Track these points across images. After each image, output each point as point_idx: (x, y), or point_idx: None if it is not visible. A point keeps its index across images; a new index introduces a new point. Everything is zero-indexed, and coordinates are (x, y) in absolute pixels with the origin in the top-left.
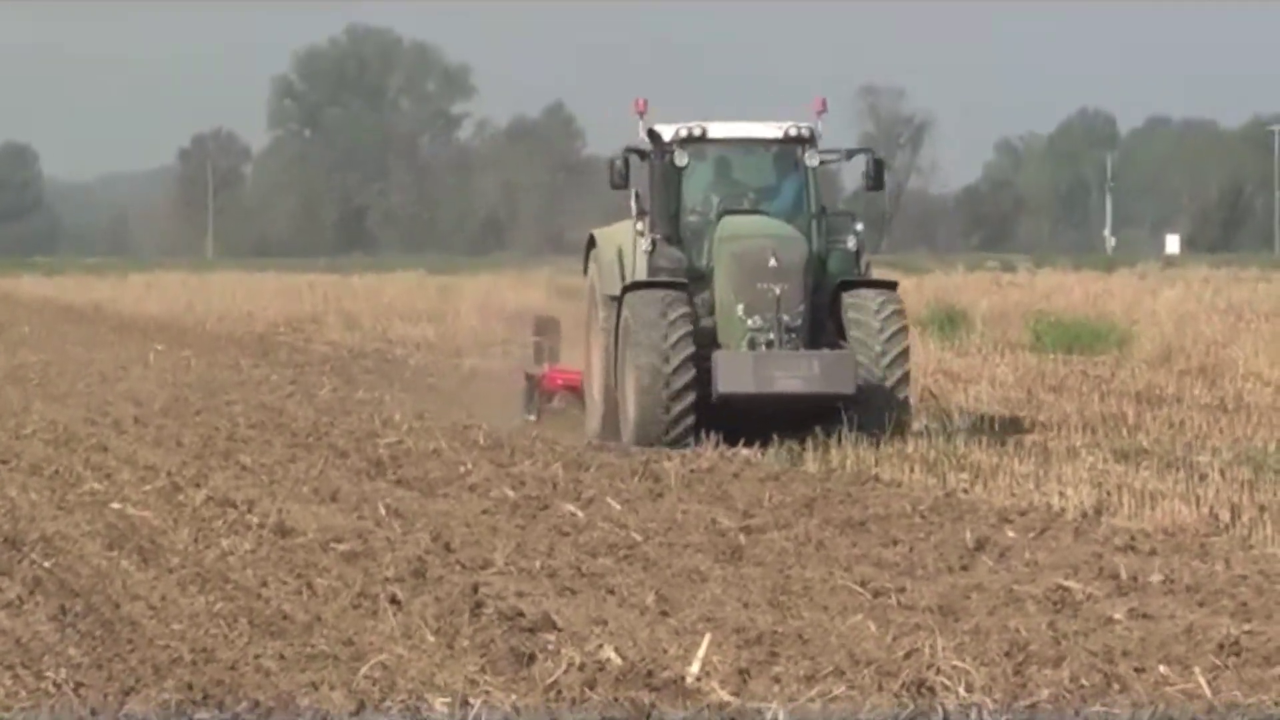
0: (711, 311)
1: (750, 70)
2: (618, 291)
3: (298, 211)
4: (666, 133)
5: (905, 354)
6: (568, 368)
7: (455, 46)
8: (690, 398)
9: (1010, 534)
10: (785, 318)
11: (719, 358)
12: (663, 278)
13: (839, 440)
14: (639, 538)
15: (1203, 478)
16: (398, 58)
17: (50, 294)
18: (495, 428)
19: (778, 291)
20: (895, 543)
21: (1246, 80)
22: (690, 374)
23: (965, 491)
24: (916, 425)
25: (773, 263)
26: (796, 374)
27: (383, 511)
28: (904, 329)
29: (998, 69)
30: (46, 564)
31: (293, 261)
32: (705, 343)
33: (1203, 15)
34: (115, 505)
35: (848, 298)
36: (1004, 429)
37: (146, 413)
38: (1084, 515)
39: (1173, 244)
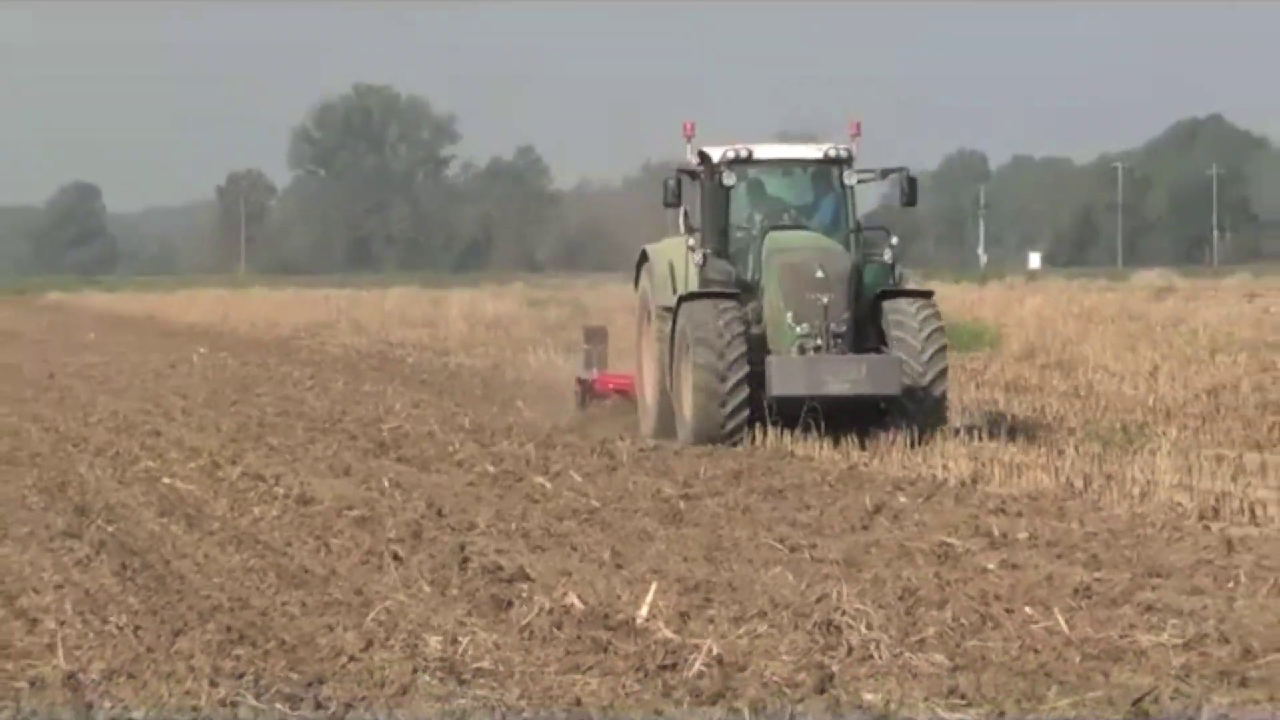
0: (759, 319)
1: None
2: (672, 302)
3: (314, 237)
4: (715, 154)
5: (943, 355)
6: (618, 372)
7: (443, 100)
8: (743, 397)
9: (902, 499)
10: (832, 325)
11: (773, 362)
12: (715, 288)
13: (764, 426)
14: (597, 504)
15: (1060, 452)
16: (396, 111)
17: (110, 306)
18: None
19: (825, 300)
20: (808, 507)
21: (1096, 124)
22: (743, 375)
23: (865, 465)
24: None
25: (819, 274)
26: (846, 377)
27: (386, 484)
28: (940, 330)
29: (894, 113)
30: (110, 529)
31: (310, 278)
32: (755, 348)
33: (1062, 70)
34: (166, 480)
35: (888, 306)
36: None
37: (191, 404)
38: (963, 484)
39: (1034, 260)
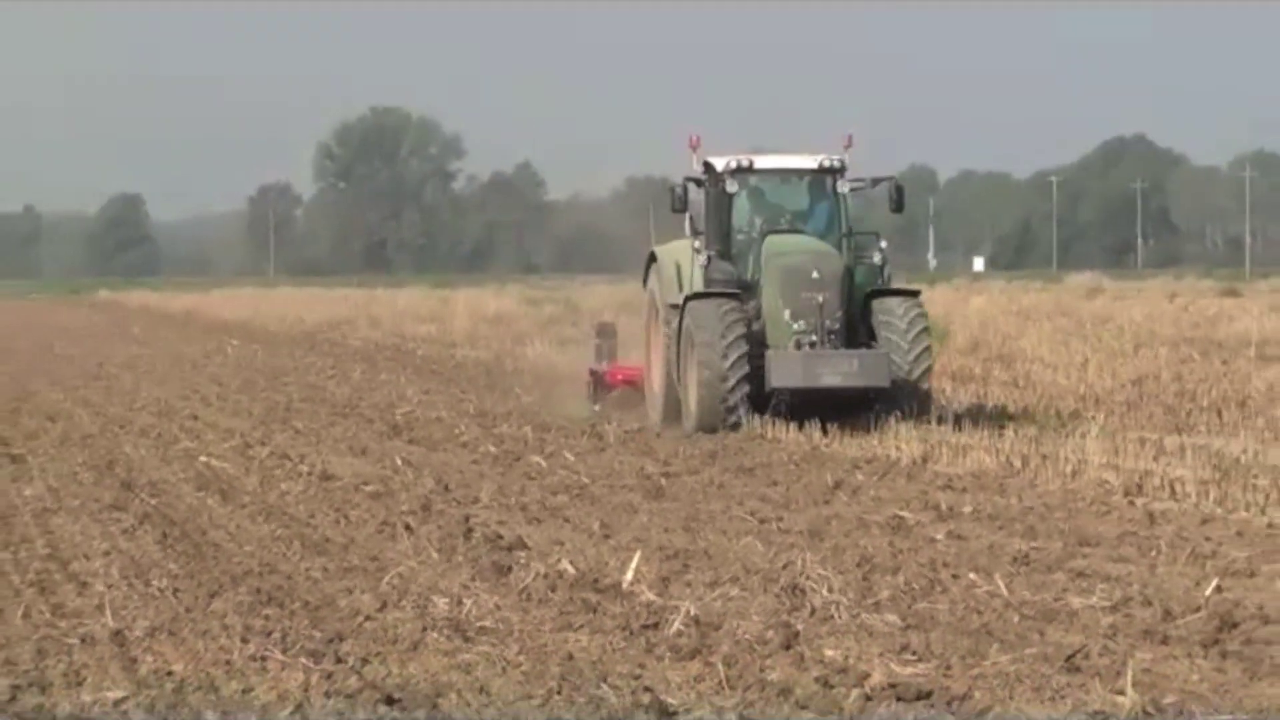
0: (759, 316)
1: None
2: (679, 301)
3: (335, 242)
4: (719, 164)
5: (928, 352)
6: (628, 365)
7: (451, 120)
8: (745, 390)
9: (860, 477)
10: (826, 322)
11: (772, 356)
12: (717, 288)
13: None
14: (587, 481)
15: (1001, 435)
16: (408, 129)
17: (153, 304)
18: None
19: (820, 299)
20: (775, 484)
21: (1033, 143)
22: (745, 370)
23: (826, 446)
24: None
25: (815, 275)
26: (839, 370)
27: (399, 462)
28: (927, 330)
29: (854, 132)
30: (153, 501)
31: (332, 279)
32: (755, 343)
33: (1003, 95)
34: (202, 458)
35: (877, 305)
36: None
37: (225, 390)
38: (914, 463)
39: (979, 264)
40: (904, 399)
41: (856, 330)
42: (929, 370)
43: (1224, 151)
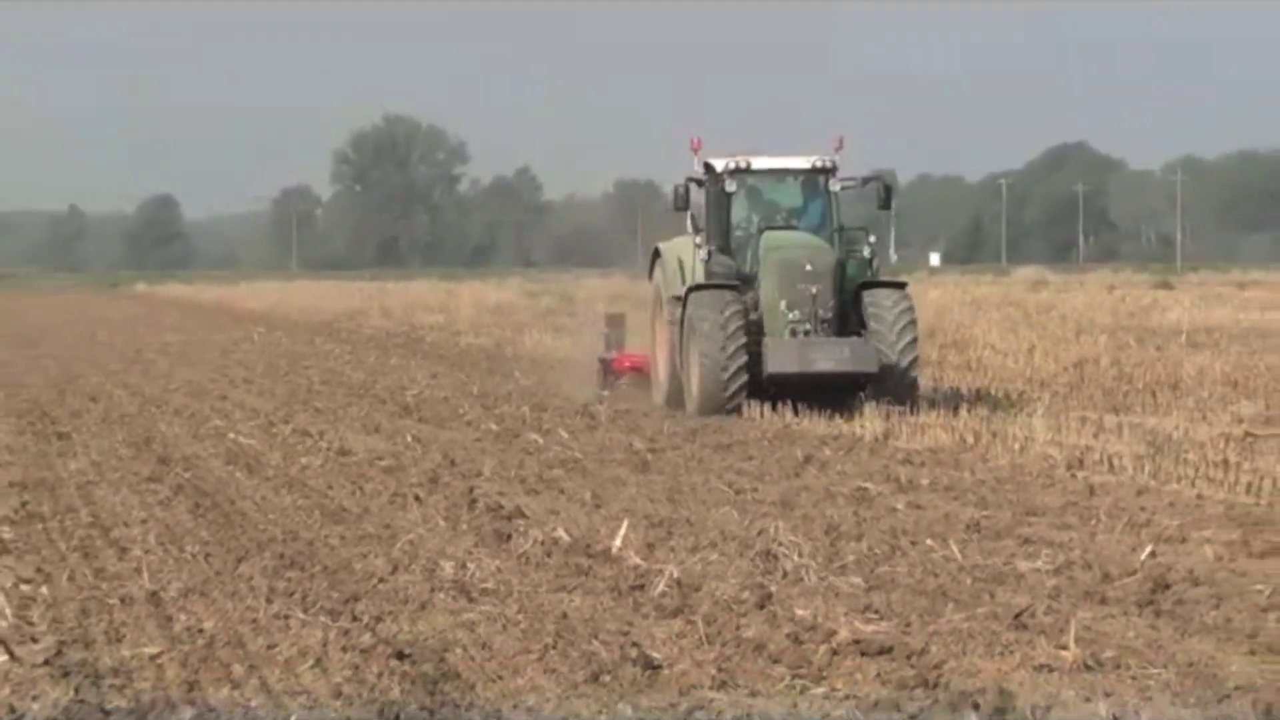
0: (756, 307)
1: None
2: (681, 292)
3: (352, 240)
4: (718, 165)
5: (915, 341)
6: (634, 352)
7: (456, 129)
8: (744, 377)
9: (827, 452)
10: (820, 312)
11: (769, 344)
12: (718, 281)
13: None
14: (580, 456)
15: (955, 414)
16: (418, 137)
17: (186, 296)
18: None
19: (814, 291)
20: (750, 458)
21: (984, 149)
22: (743, 358)
23: (797, 425)
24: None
25: (809, 267)
26: (832, 357)
27: (409, 439)
28: (913, 321)
29: (822, 141)
30: (186, 474)
31: (348, 273)
32: (753, 332)
33: (956, 106)
34: (231, 435)
35: (867, 296)
36: None
37: (251, 374)
38: (876, 439)
39: (935, 259)
40: (892, 384)
41: (848, 319)
42: (916, 358)
43: (1157, 157)
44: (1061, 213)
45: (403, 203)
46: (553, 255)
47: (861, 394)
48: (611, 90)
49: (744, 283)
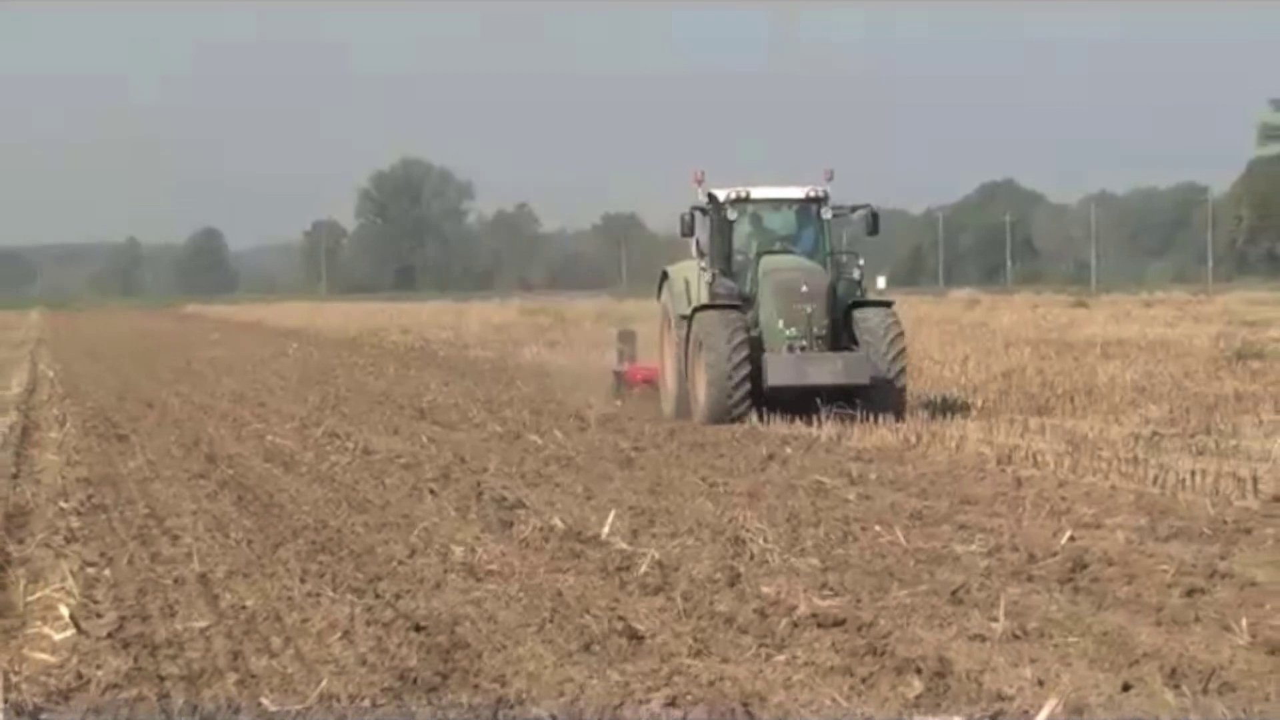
0: (757, 324)
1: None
2: (688, 312)
3: (373, 266)
4: (720, 195)
5: (903, 355)
6: (645, 365)
7: (463, 170)
8: (747, 388)
9: (789, 450)
10: (815, 329)
11: (768, 358)
12: (721, 301)
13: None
14: (573, 454)
15: (900, 417)
16: (431, 177)
17: (230, 316)
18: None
19: (809, 310)
20: (722, 455)
21: (924, 185)
22: (746, 370)
23: (763, 427)
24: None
25: (804, 288)
26: (826, 370)
27: (424, 440)
28: (901, 334)
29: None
30: (230, 471)
31: (371, 296)
32: (753, 348)
33: (899, 146)
34: (269, 437)
35: (858, 314)
36: None
37: (287, 383)
38: (831, 439)
39: (881, 282)
40: (882, 395)
41: (840, 336)
42: (904, 370)
43: (1075, 193)
44: (992, 241)
45: (417, 234)
46: (548, 280)
47: (858, 403)
48: (599, 138)
49: (745, 302)
